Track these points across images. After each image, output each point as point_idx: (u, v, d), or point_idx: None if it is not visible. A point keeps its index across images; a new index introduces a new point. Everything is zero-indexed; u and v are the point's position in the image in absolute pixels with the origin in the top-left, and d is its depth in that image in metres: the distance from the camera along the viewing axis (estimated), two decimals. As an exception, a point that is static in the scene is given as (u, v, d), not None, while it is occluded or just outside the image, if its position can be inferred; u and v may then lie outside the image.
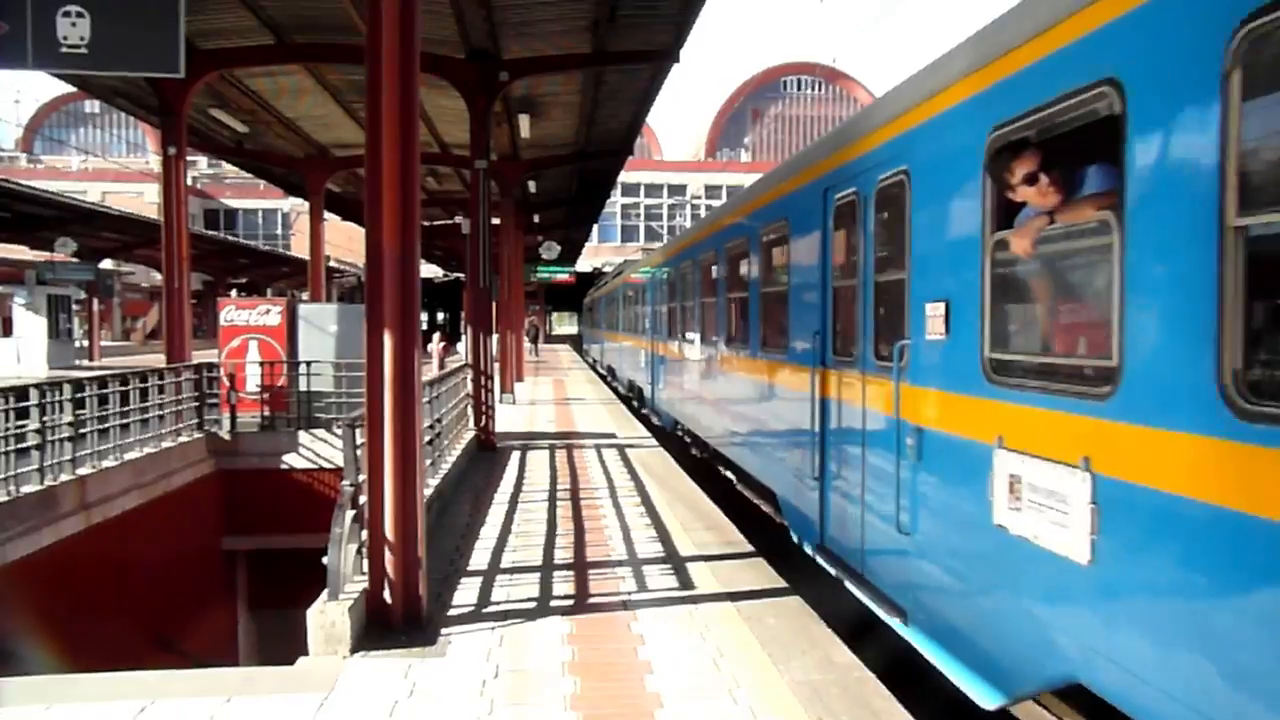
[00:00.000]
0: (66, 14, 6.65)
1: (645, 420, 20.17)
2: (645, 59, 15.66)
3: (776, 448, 8.95)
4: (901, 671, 6.16)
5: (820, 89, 79.95)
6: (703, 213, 57.06)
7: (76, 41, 6.63)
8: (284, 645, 7.57)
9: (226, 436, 14.74)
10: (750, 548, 8.78)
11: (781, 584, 7.56)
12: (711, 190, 66.44)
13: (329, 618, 5.97)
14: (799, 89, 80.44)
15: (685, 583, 7.56)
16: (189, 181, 17.31)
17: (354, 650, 5.97)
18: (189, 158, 17.15)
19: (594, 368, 41.49)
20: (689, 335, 14.05)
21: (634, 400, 23.92)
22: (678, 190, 68.65)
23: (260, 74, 16.83)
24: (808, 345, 7.60)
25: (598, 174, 27.73)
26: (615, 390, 28.71)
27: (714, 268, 11.97)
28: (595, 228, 51.37)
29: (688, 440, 14.97)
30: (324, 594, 6.17)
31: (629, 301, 24.85)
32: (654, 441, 16.40)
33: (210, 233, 51.98)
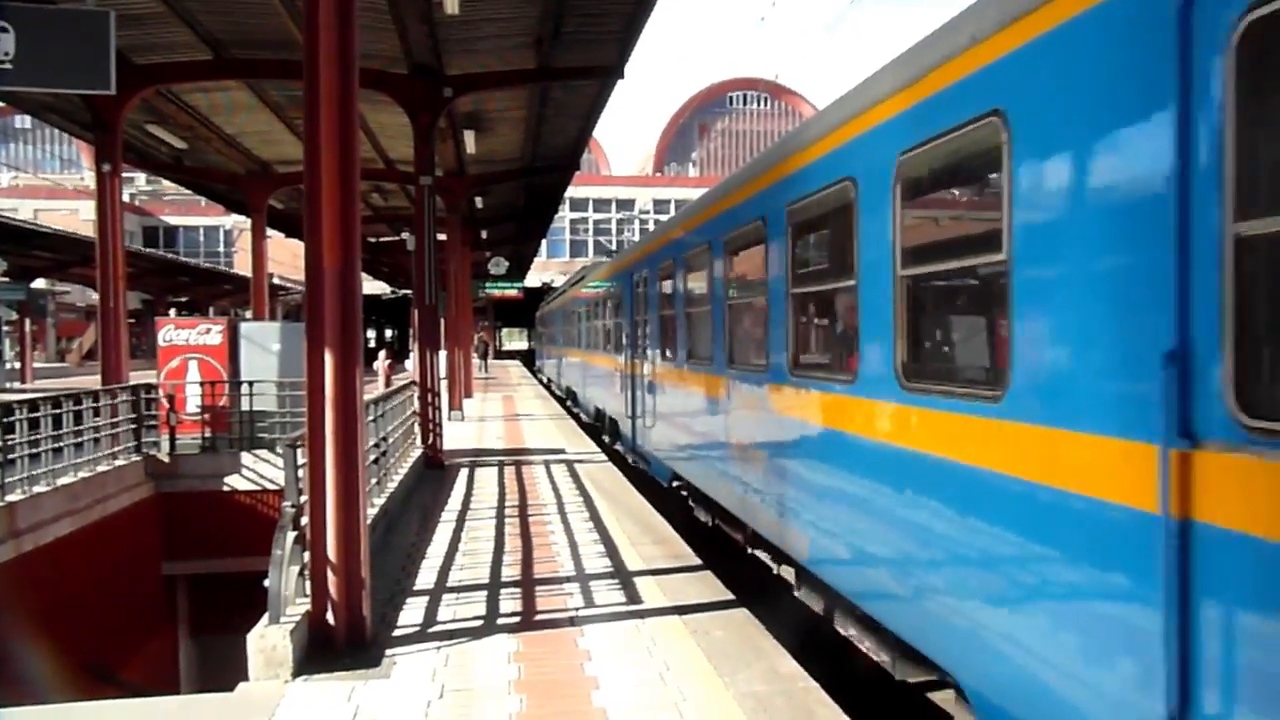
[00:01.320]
0: (-10, 29, 6.49)
1: (597, 436, 20.10)
2: (590, 75, 15.74)
3: (981, 596, 4.27)
4: (846, 680, 6.24)
5: (765, 104, 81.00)
6: (652, 227, 56.89)
7: (1, 57, 6.47)
8: (227, 671, 7.40)
9: (166, 459, 14.41)
10: (697, 560, 8.82)
11: (728, 596, 7.60)
12: (660, 205, 66.75)
13: (269, 641, 5.86)
14: (744, 104, 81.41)
15: (633, 597, 7.56)
16: (127, 198, 16.97)
17: (296, 674, 5.87)
18: (126, 174, 16.81)
19: (549, 388, 37.78)
20: (705, 355, 9.44)
21: (606, 436, 19.26)
22: (626, 205, 68.90)
23: (199, 90, 16.57)
24: (1122, 390, 3.35)
25: (545, 189, 27.75)
26: (578, 417, 24.91)
27: (759, 249, 7.46)
28: (544, 243, 51.31)
29: (691, 500, 11.00)
30: (265, 617, 6.07)
31: (596, 311, 19.94)
32: (603, 456, 16.39)
33: (149, 250, 50.82)
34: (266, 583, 6.11)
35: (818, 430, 6.35)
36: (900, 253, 5.01)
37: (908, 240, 4.98)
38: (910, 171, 4.91)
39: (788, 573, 7.25)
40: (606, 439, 19.07)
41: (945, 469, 4.54)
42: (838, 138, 5.95)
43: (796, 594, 7.06)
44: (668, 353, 11.57)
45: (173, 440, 14.59)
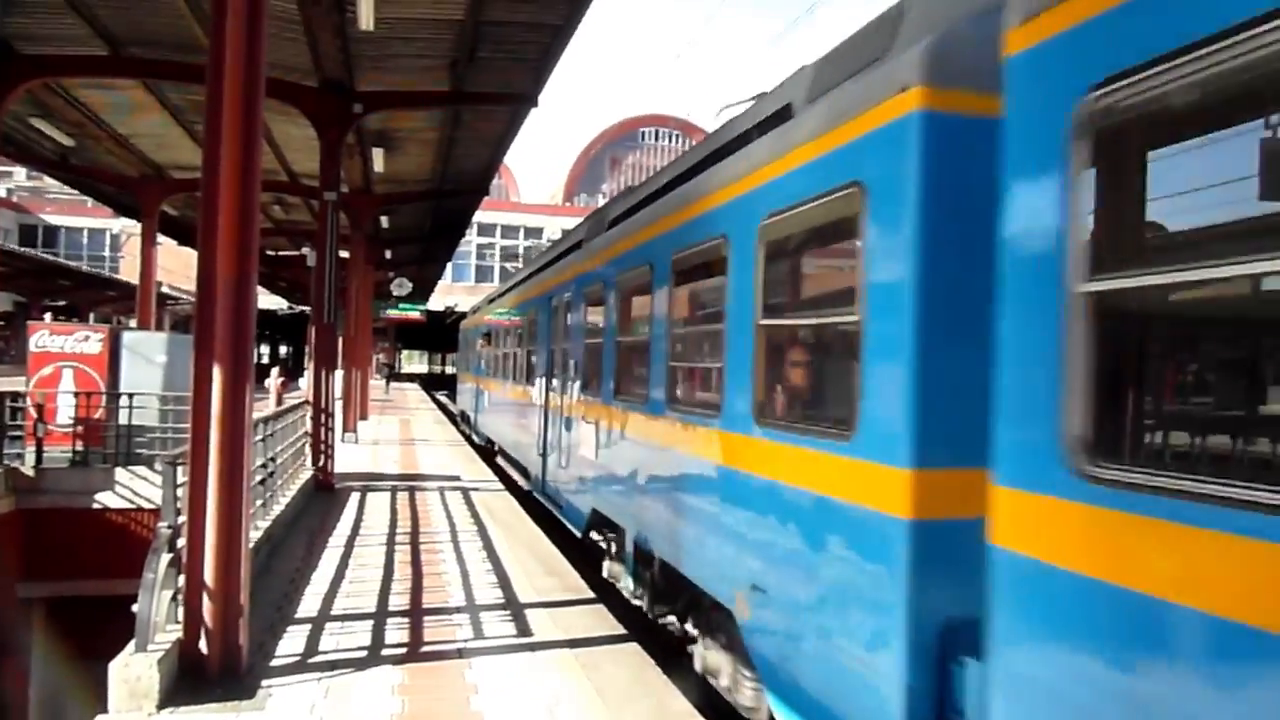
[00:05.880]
0: None
1: (492, 460, 19.78)
2: (504, 101, 15.69)
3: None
4: (732, 717, 6.25)
5: (676, 141, 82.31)
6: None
7: None
8: (85, 704, 6.95)
9: (30, 472, 13.53)
10: (591, 594, 8.74)
11: (621, 630, 7.55)
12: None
13: (134, 671, 5.52)
14: (656, 139, 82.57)
15: (523, 630, 7.43)
16: (3, 193, 16.05)
17: (162, 705, 5.54)
18: (4, 168, 15.89)
19: (484, 453, 22.10)
20: None
21: None
22: (534, 233, 68.63)
23: (92, 86, 15.84)
24: None
25: (453, 212, 27.44)
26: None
27: None
28: (449, 266, 50.64)
29: None
30: (130, 645, 5.72)
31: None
32: (499, 485, 16.16)
33: (24, 250, 48.00)
34: (135, 608, 5.77)
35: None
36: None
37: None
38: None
39: None
40: None
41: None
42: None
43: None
44: None
45: (39, 452, 13.73)
